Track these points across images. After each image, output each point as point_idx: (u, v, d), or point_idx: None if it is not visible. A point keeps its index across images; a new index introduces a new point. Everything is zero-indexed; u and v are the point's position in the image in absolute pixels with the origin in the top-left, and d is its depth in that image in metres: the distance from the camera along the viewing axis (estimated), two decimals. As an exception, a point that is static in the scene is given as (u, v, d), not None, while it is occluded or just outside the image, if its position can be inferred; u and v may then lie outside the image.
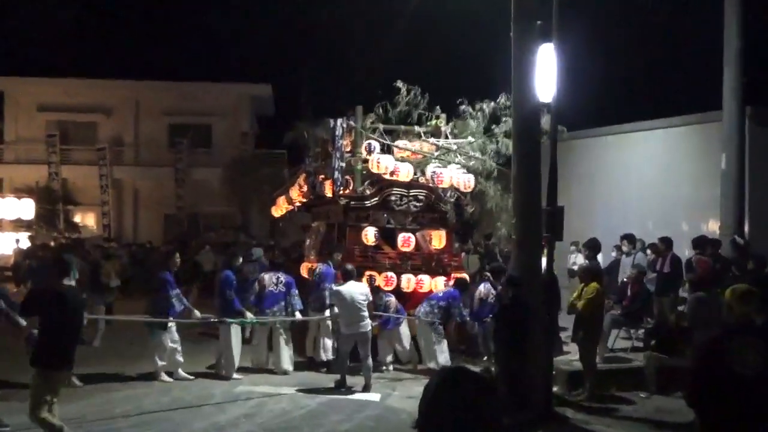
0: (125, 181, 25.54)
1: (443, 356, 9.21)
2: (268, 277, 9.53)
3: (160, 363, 8.78)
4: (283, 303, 9.37)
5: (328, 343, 9.52)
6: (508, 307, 7.38)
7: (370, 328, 8.46)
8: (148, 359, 8.91)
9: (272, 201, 14.99)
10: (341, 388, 8.41)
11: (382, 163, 9.90)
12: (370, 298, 8.53)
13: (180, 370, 8.87)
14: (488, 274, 10.04)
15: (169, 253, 9.88)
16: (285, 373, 9.21)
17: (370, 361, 8.46)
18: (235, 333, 9.13)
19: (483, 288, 9.82)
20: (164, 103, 25.46)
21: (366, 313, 8.38)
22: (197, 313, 9.10)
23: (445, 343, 9.25)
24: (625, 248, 11.45)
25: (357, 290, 8.41)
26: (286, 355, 9.32)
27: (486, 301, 9.57)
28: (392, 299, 9.56)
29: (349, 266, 8.75)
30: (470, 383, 2.00)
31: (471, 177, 10.14)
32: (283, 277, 9.51)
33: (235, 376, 8.99)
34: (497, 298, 8.78)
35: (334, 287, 8.56)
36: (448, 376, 2.04)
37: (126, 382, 8.63)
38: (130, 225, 25.43)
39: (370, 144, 10.07)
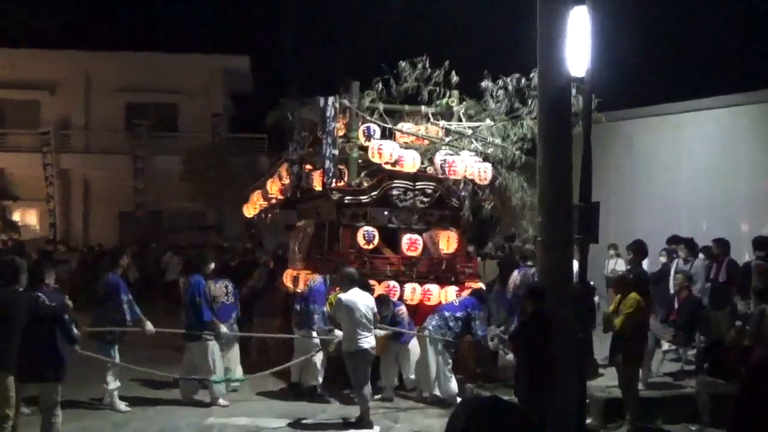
0: (74, 172, 25.56)
1: (453, 383, 9.28)
2: (218, 287, 9.76)
3: (112, 385, 8.83)
4: (234, 315, 9.90)
5: (319, 367, 9.55)
6: (528, 325, 7.40)
7: (374, 344, 8.52)
8: (98, 382, 8.90)
9: (247, 196, 15.01)
10: (366, 428, 8.32)
11: (384, 151, 9.91)
12: (375, 310, 8.62)
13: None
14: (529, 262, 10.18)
15: (116, 253, 10.00)
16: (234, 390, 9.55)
17: (368, 386, 8.49)
18: (214, 350, 9.23)
19: (518, 274, 9.93)
20: (120, 78, 25.44)
21: (372, 327, 8.46)
22: (150, 326, 9.12)
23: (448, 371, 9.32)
24: (682, 254, 11.44)
25: (365, 300, 8.51)
26: (239, 373, 9.73)
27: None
28: (404, 308, 9.66)
29: (352, 270, 8.82)
30: (506, 416, 2.03)
31: (488, 166, 10.15)
32: (230, 286, 9.97)
33: (221, 402, 9.14)
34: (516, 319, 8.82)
35: (341, 296, 8.59)
36: (482, 407, 2.06)
37: (75, 409, 8.57)
38: (79, 224, 25.45)
39: (368, 128, 10.07)
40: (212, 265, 9.88)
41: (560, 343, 7.00)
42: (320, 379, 9.49)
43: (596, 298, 11.03)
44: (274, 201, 13.16)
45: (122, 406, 8.83)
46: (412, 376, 9.64)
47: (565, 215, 7.33)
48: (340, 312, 8.50)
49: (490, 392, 8.53)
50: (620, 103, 16.82)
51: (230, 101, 28.33)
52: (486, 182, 10.22)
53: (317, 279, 9.92)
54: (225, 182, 22.09)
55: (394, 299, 9.78)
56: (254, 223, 17.46)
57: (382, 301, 9.23)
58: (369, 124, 10.12)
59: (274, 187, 12.44)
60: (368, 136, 10.09)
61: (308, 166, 10.84)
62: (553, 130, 7.41)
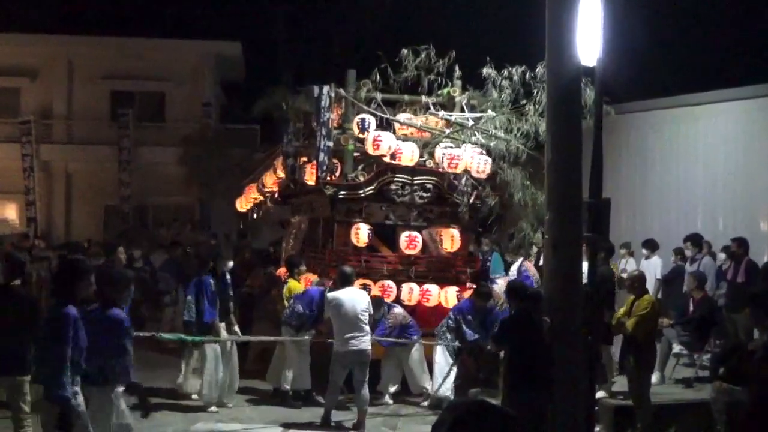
0: (55, 164, 25.48)
1: (451, 387, 9.33)
2: None
3: None
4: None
5: (289, 373, 9.54)
6: (508, 324, 7.35)
7: (370, 346, 8.56)
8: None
9: (240, 190, 15.01)
10: (327, 424, 8.46)
11: (382, 143, 9.89)
12: (371, 311, 8.70)
13: None
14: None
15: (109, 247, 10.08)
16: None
17: (366, 390, 8.51)
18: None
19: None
20: (105, 64, 25.36)
21: (368, 327, 8.52)
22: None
23: (452, 374, 9.36)
24: (689, 252, 11.45)
25: (358, 298, 8.57)
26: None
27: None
28: (398, 311, 9.68)
29: (348, 269, 8.87)
30: (493, 422, 1.99)
31: (487, 160, 10.13)
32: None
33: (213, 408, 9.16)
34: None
35: (332, 294, 8.65)
36: (466, 413, 2.03)
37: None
38: (61, 219, 25.39)
39: (363, 120, 10.03)
40: (230, 264, 10.08)
41: (568, 349, 6.98)
42: (309, 384, 9.49)
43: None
44: (269, 194, 13.14)
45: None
46: (421, 372, 9.67)
47: (574, 212, 7.31)
48: (331, 310, 8.56)
49: (493, 398, 8.53)
50: (633, 95, 16.80)
51: (221, 90, 28.27)
52: (484, 175, 10.20)
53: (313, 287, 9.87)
54: (217, 175, 22.04)
55: (387, 301, 9.82)
56: (246, 217, 17.50)
57: (374, 302, 9.26)
58: (364, 116, 10.08)
59: (269, 180, 12.41)
60: (362, 129, 10.06)
61: (302, 159, 10.82)
62: (562, 121, 7.39)
